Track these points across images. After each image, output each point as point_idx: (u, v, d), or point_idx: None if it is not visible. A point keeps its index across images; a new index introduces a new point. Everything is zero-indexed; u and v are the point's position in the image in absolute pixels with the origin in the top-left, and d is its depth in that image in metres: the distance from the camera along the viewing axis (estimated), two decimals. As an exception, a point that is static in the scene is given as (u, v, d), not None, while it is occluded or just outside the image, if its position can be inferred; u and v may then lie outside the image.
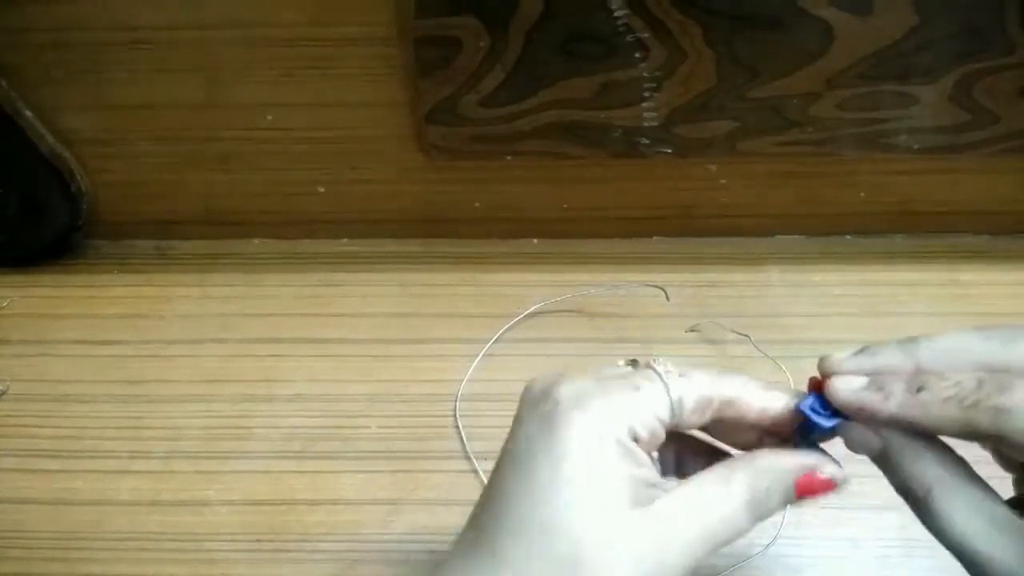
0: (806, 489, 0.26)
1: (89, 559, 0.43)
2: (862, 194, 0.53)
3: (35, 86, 0.47)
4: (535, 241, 0.56)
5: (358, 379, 0.49)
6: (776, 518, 0.42)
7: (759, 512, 0.25)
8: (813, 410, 0.26)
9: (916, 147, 0.48)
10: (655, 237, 0.56)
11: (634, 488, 0.23)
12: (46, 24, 0.44)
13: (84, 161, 0.52)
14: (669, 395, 0.25)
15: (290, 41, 0.44)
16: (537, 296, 0.52)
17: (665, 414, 0.25)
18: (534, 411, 0.24)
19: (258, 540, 0.43)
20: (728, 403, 0.26)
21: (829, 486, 0.26)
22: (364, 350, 0.51)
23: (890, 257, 0.54)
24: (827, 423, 0.26)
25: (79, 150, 0.51)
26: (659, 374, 0.25)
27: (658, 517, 0.23)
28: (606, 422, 0.24)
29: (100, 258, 0.56)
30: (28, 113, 0.48)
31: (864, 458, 0.47)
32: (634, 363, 0.28)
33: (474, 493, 0.44)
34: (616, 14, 0.42)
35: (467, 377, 0.49)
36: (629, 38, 0.43)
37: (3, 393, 0.49)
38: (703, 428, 0.27)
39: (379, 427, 0.47)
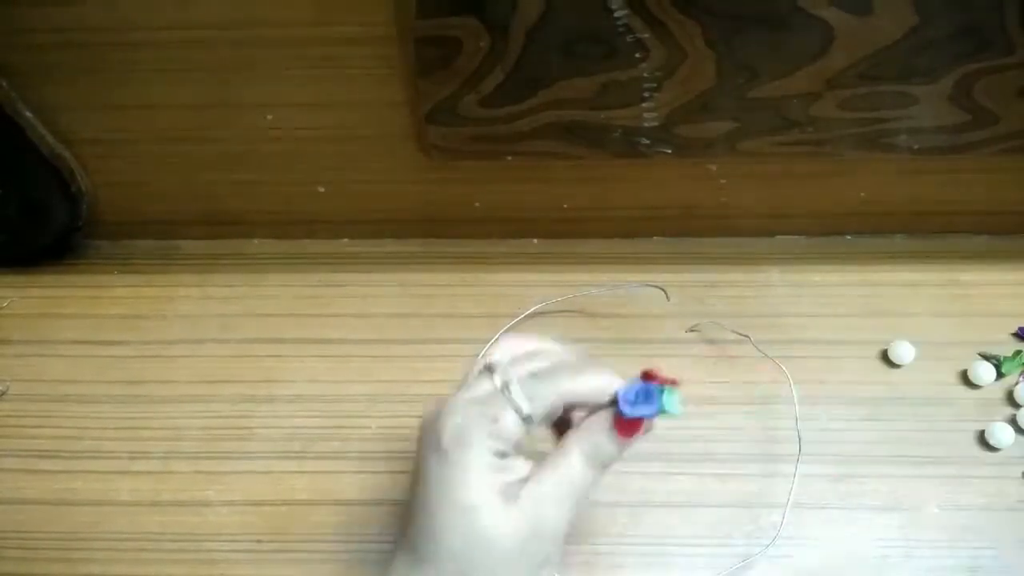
0: (624, 429, 0.32)
1: (89, 559, 0.43)
2: (862, 194, 0.53)
3: (35, 86, 0.47)
4: (535, 241, 0.57)
5: (358, 379, 0.49)
6: (776, 519, 0.43)
7: (599, 463, 0.32)
8: (626, 399, 0.32)
9: (916, 147, 0.48)
10: (655, 237, 0.56)
11: (504, 490, 0.31)
12: (46, 24, 0.44)
13: (84, 161, 0.52)
14: (523, 422, 0.32)
15: (290, 41, 0.44)
16: (538, 296, 0.52)
17: (520, 432, 0.32)
18: (430, 449, 0.31)
19: (258, 540, 0.43)
20: (570, 404, 0.33)
21: (629, 422, 0.32)
22: (364, 350, 0.51)
23: (890, 257, 0.54)
24: (631, 412, 0.32)
25: (79, 150, 0.51)
26: (512, 404, 0.32)
27: (525, 504, 0.31)
28: (477, 454, 0.31)
29: (100, 258, 0.56)
30: (28, 113, 0.48)
31: (863, 458, 0.47)
32: (490, 369, 0.33)
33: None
34: (616, 14, 0.42)
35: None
36: (629, 38, 0.43)
37: (3, 393, 0.49)
38: None
39: (379, 427, 0.47)
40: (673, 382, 0.33)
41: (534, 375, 0.33)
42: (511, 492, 0.31)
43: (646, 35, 0.42)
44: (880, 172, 0.51)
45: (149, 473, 0.46)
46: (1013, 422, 0.46)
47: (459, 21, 0.42)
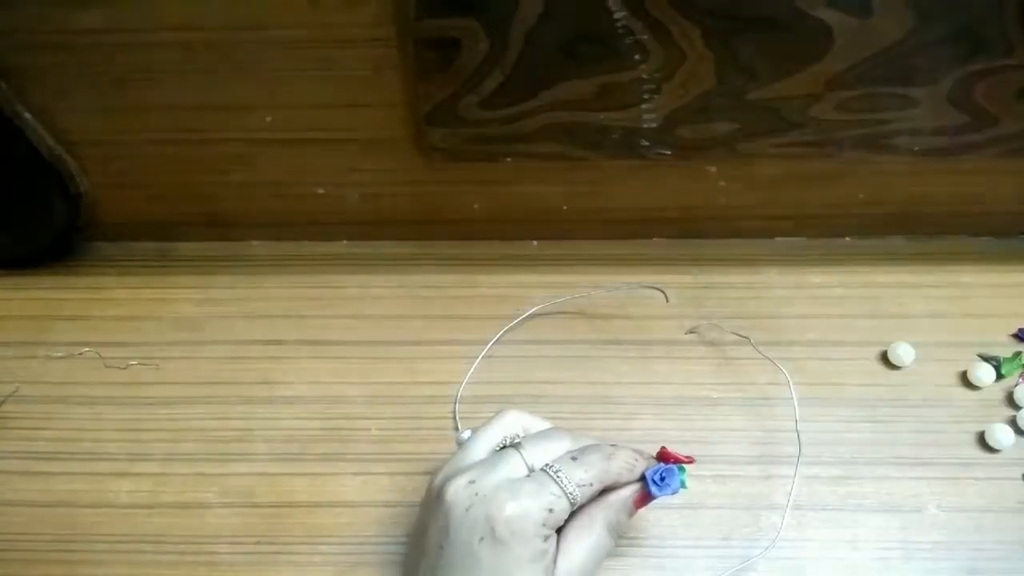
0: (639, 503, 0.37)
1: (88, 561, 0.43)
2: (862, 196, 0.53)
3: (35, 87, 0.47)
4: (535, 242, 0.56)
5: (358, 381, 0.49)
6: (776, 520, 0.43)
7: (618, 532, 0.37)
8: (653, 480, 0.36)
9: (916, 149, 0.48)
10: (654, 238, 0.56)
11: (546, 568, 0.34)
12: (46, 25, 0.44)
13: (84, 162, 0.52)
14: (572, 505, 0.35)
15: (290, 42, 0.44)
16: (537, 297, 0.52)
17: (567, 515, 0.35)
18: (477, 533, 0.33)
19: (257, 543, 0.43)
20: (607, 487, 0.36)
21: (649, 496, 0.37)
22: (364, 352, 0.51)
23: (890, 259, 0.54)
24: (658, 492, 0.36)
25: (79, 151, 0.51)
26: (567, 494, 0.34)
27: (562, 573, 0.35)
28: (532, 545, 0.33)
29: (100, 260, 0.56)
30: (27, 115, 0.48)
31: (863, 459, 0.47)
32: (516, 445, 0.36)
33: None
34: (616, 16, 0.42)
35: (467, 379, 0.49)
36: (628, 40, 0.43)
37: (12, 394, 0.49)
38: None
39: (379, 429, 0.47)
40: (689, 460, 0.37)
41: (574, 459, 0.35)
42: (549, 567, 0.34)
43: (645, 37, 0.43)
44: (880, 173, 0.51)
45: (148, 475, 0.46)
46: (1013, 423, 0.46)
47: (458, 22, 0.42)
